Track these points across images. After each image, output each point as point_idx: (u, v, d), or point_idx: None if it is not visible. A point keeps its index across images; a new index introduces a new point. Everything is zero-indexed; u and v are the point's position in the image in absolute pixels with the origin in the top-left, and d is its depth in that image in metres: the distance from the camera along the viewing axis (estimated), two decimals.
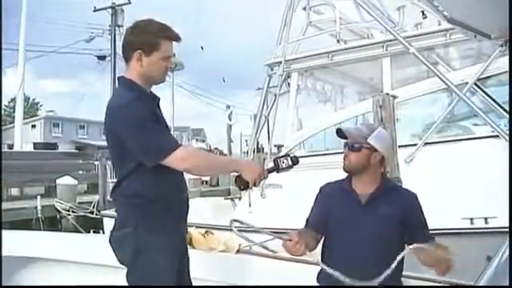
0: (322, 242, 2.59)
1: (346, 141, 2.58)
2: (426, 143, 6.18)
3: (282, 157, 2.54)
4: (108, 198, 12.06)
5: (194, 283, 2.61)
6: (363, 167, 2.51)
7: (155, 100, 2.51)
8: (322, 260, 2.59)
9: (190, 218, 2.57)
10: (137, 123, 2.27)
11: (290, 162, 2.51)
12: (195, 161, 2.37)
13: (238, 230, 2.36)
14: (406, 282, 2.68)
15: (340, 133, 2.58)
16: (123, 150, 2.33)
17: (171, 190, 2.43)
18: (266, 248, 2.66)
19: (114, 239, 2.44)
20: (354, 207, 2.50)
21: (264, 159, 7.98)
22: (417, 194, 2.56)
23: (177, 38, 2.47)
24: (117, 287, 2.38)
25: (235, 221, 2.37)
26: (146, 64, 2.40)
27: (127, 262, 2.37)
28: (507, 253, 1.00)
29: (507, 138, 5.35)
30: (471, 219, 5.30)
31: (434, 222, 2.55)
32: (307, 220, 2.64)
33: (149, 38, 2.39)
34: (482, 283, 0.98)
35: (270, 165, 2.57)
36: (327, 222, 2.55)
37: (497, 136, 5.57)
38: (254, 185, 2.42)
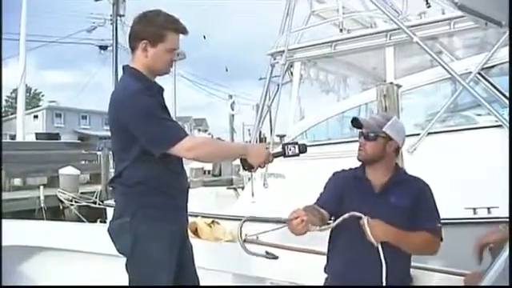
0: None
1: (360, 130, 2.57)
2: (429, 133, 6.17)
3: (291, 144, 2.55)
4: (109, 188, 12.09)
5: (201, 273, 2.62)
6: (378, 157, 2.52)
7: (160, 90, 2.51)
8: (329, 248, 2.59)
9: (195, 208, 2.58)
10: (145, 112, 2.27)
11: (297, 151, 2.52)
12: (203, 149, 2.38)
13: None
14: (416, 273, 2.68)
15: (355, 122, 2.59)
16: (128, 139, 2.33)
17: (171, 179, 2.44)
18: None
19: (113, 229, 2.45)
20: (368, 196, 2.50)
21: (266, 149, 7.98)
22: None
23: (184, 31, 2.47)
24: (115, 287, 2.39)
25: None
26: (150, 55, 2.39)
27: (126, 251, 2.38)
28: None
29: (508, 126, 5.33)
30: (474, 209, 5.31)
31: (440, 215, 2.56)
32: (317, 199, 2.60)
33: (155, 28, 2.38)
34: (485, 282, 0.98)
35: (278, 149, 2.58)
36: (339, 206, 2.52)
37: (500, 126, 5.56)
38: (259, 166, 2.45)
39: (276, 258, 2.43)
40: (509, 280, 0.88)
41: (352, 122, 2.61)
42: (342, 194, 2.56)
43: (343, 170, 2.71)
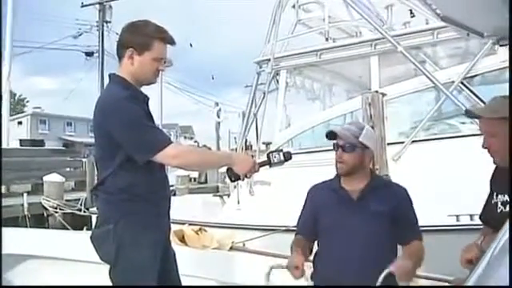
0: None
1: (335, 142, 2.58)
2: (413, 141, 6.25)
3: (275, 151, 2.55)
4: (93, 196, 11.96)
5: (188, 280, 2.63)
6: (358, 167, 2.54)
7: (145, 99, 2.52)
8: (314, 260, 2.62)
9: (182, 216, 2.58)
10: (130, 119, 2.29)
11: (282, 158, 2.52)
12: (187, 157, 2.39)
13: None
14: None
15: (330, 135, 2.59)
16: (112, 146, 2.33)
17: (154, 186, 2.44)
18: None
19: (96, 237, 2.44)
20: (346, 206, 2.52)
21: (252, 156, 7.99)
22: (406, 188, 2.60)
23: (171, 42, 2.48)
24: (110, 287, 2.39)
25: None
26: (136, 63, 2.41)
27: (109, 259, 2.38)
28: (501, 244, 1.02)
29: None
30: (457, 216, 5.38)
31: (420, 218, 2.59)
32: (298, 226, 2.67)
33: (142, 37, 2.40)
34: (476, 275, 1.01)
35: (263, 159, 2.58)
36: (316, 225, 2.58)
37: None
38: (246, 176, 2.45)
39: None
40: (509, 280, 0.90)
41: (327, 135, 2.61)
42: (319, 209, 2.60)
43: (316, 185, 2.73)
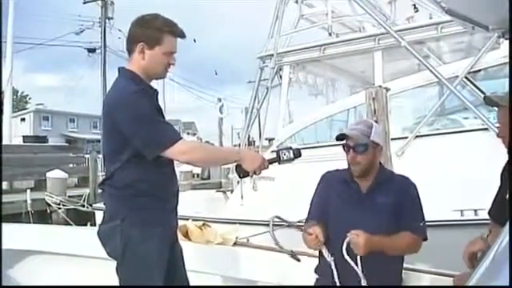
0: None
1: (344, 143, 2.57)
2: (416, 136, 6.23)
3: (285, 149, 2.54)
4: (99, 191, 11.99)
5: (192, 276, 2.62)
6: (372, 165, 2.55)
7: (155, 93, 2.51)
8: (319, 253, 2.61)
9: (185, 211, 2.57)
10: (139, 114, 2.27)
11: (292, 155, 2.50)
12: (196, 153, 2.38)
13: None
14: (406, 274, 2.71)
15: (340, 136, 2.58)
16: (121, 141, 2.31)
17: (162, 182, 2.43)
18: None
19: (103, 232, 2.43)
20: (355, 198, 2.53)
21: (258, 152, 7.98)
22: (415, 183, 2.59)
23: (181, 35, 2.46)
24: (113, 287, 2.38)
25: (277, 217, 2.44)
26: (147, 57, 2.39)
27: (116, 254, 2.37)
28: (504, 243, 1.01)
29: (496, 130, 5.40)
30: (461, 211, 5.36)
31: (425, 214, 2.59)
32: (309, 212, 2.66)
33: (153, 31, 2.38)
34: (479, 274, 1.00)
35: (272, 156, 2.57)
36: (327, 212, 2.57)
37: (486, 129, 5.63)
38: (255, 173, 2.43)
39: (299, 260, 2.52)
40: (509, 280, 0.89)
41: (337, 137, 2.61)
42: (329, 198, 2.60)
43: (329, 172, 2.73)
